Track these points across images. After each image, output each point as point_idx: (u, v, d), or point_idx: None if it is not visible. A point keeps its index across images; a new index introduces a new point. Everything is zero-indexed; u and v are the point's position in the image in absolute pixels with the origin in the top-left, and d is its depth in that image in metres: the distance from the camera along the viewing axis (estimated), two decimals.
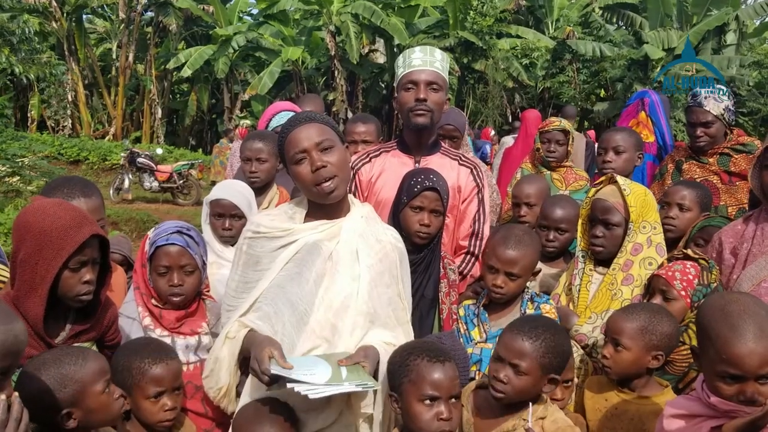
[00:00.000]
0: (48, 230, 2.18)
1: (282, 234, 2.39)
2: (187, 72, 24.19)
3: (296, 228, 2.40)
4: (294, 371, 2.07)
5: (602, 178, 3.16)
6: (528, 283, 2.92)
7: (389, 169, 3.37)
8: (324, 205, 2.42)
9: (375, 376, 2.26)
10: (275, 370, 2.08)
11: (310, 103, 5.02)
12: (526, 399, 2.30)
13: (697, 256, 2.79)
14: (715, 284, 2.73)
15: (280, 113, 4.52)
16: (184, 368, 2.64)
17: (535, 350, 2.25)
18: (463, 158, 3.47)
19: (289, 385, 2.05)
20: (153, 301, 2.74)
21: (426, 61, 3.28)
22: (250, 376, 2.39)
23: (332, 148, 2.35)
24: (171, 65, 25.10)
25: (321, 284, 2.36)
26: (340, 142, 2.41)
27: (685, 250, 2.85)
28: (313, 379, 2.07)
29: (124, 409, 2.36)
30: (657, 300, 2.74)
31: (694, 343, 2.59)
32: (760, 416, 1.78)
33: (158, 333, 2.68)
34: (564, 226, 3.46)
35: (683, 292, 2.71)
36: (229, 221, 3.33)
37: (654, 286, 2.78)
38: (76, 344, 2.34)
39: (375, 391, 2.28)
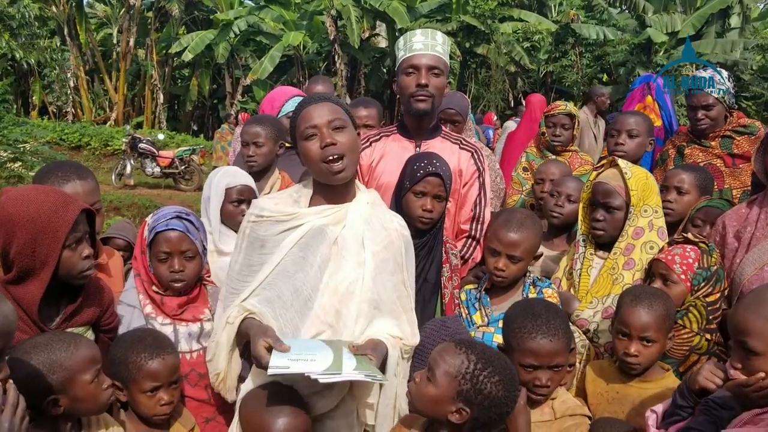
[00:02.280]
0: (36, 217, 2.16)
1: (286, 218, 2.38)
2: (188, 56, 24.10)
3: (301, 212, 2.39)
4: (293, 363, 2.03)
5: (603, 162, 3.14)
6: (529, 267, 2.92)
7: (390, 153, 3.36)
8: (330, 189, 2.41)
9: (382, 370, 2.27)
10: (273, 370, 2.01)
11: (319, 85, 5.00)
12: None
13: (697, 240, 2.78)
14: (716, 267, 2.73)
15: (293, 98, 4.47)
16: (187, 356, 2.64)
17: (562, 345, 2.32)
18: (463, 142, 3.45)
19: (298, 371, 2.01)
20: (154, 287, 2.71)
21: (427, 44, 3.25)
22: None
23: (343, 129, 2.35)
24: (173, 50, 24.99)
25: (326, 269, 2.35)
26: (352, 125, 2.41)
27: (685, 234, 2.84)
28: (314, 366, 2.04)
29: (116, 399, 2.37)
30: (657, 284, 2.73)
31: (695, 327, 2.61)
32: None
33: (160, 321, 2.67)
34: (575, 196, 3.47)
35: (683, 276, 2.70)
36: (248, 207, 3.27)
37: (654, 270, 2.77)
38: (70, 329, 2.33)
39: (381, 384, 2.30)
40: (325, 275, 2.34)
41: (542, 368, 2.31)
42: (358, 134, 2.46)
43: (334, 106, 2.38)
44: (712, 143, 4.14)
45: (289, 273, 2.32)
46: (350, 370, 2.05)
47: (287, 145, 3.85)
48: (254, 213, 2.44)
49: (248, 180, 3.39)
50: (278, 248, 2.36)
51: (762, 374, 1.83)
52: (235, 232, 3.18)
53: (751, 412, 1.86)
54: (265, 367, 2.05)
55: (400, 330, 2.42)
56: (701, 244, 2.76)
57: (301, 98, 4.36)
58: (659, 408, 2.21)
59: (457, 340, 2.19)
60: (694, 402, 2.09)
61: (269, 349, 2.09)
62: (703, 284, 2.70)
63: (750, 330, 1.86)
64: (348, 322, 2.32)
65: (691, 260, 2.72)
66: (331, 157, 2.29)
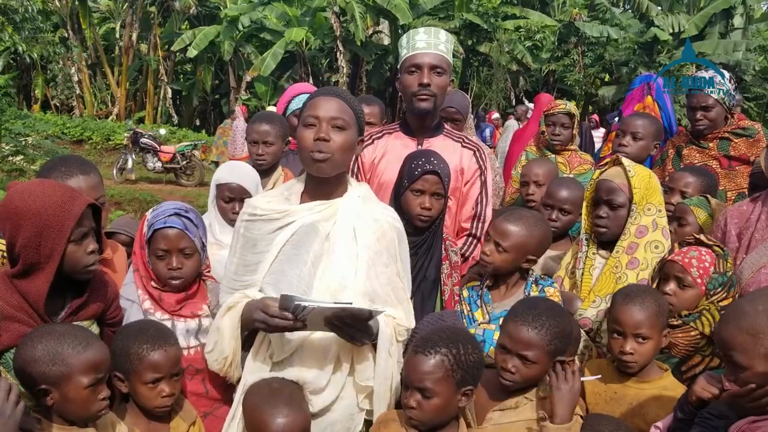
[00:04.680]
0: (42, 211, 2.16)
1: (278, 216, 2.39)
2: (192, 52, 24.02)
3: (292, 209, 2.40)
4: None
5: (607, 160, 3.15)
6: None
7: (392, 151, 3.36)
8: (320, 184, 2.42)
9: (374, 343, 2.34)
10: (287, 293, 2.12)
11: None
12: (534, 383, 2.35)
13: (711, 243, 2.75)
14: (731, 273, 2.70)
15: (299, 96, 4.46)
16: (185, 352, 2.63)
17: (541, 339, 2.27)
18: (466, 140, 3.46)
19: (297, 302, 2.10)
20: (152, 283, 2.71)
21: (430, 43, 3.26)
22: (250, 353, 2.43)
23: (343, 130, 2.34)
24: (175, 47, 24.94)
25: (319, 265, 2.36)
26: (355, 130, 2.40)
27: (697, 236, 2.80)
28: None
29: (118, 390, 2.39)
30: (671, 285, 2.70)
31: (707, 330, 2.59)
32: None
33: (158, 316, 2.66)
34: (568, 207, 3.46)
35: (699, 280, 2.66)
36: (239, 205, 3.27)
37: (669, 271, 2.73)
38: (77, 322, 2.33)
39: (374, 366, 2.36)
40: (318, 271, 2.36)
41: (511, 353, 2.31)
42: (361, 141, 2.47)
43: (344, 104, 2.38)
44: (710, 144, 4.14)
45: (285, 272, 2.34)
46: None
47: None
48: (247, 212, 2.46)
49: (243, 178, 3.37)
50: (271, 246, 2.38)
51: (753, 386, 1.83)
52: (230, 226, 3.23)
53: (748, 419, 1.87)
54: (268, 315, 2.17)
55: (395, 313, 2.45)
56: (716, 248, 2.73)
57: (308, 95, 4.41)
58: (662, 424, 2.23)
59: (413, 348, 2.23)
60: (692, 414, 2.10)
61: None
62: (719, 290, 2.66)
63: (733, 345, 1.86)
64: None
65: (707, 264, 2.68)
66: (318, 151, 2.31)
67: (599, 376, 2.52)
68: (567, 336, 2.36)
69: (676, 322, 2.65)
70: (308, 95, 4.39)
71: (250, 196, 3.27)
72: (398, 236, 2.50)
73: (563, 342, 2.33)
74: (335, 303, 2.17)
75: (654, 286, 2.77)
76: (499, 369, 2.35)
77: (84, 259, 2.27)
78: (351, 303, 2.19)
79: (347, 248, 2.38)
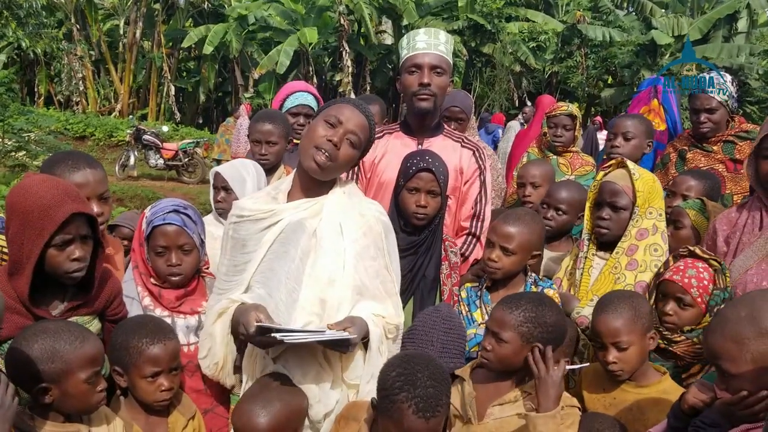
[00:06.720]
0: (29, 210, 2.15)
1: (265, 215, 2.42)
2: (208, 49, 23.95)
3: (279, 208, 2.43)
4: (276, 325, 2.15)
5: (611, 162, 3.15)
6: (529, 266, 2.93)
7: (392, 150, 3.37)
8: (308, 182, 2.45)
9: (365, 345, 2.37)
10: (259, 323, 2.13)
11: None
12: (511, 368, 2.37)
13: (706, 256, 2.71)
14: (730, 287, 2.66)
15: (295, 93, 4.46)
16: (185, 349, 2.65)
17: (513, 319, 2.32)
18: (465, 140, 3.48)
19: (273, 333, 2.10)
20: (152, 280, 2.73)
21: (430, 44, 3.28)
22: (246, 353, 2.44)
23: (353, 147, 2.41)
24: (186, 44, 24.90)
25: (307, 261, 2.39)
26: (361, 152, 2.47)
27: (691, 248, 2.77)
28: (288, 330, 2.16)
29: (117, 385, 2.39)
30: (671, 305, 2.67)
31: None
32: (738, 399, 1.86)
33: (158, 313, 2.68)
34: (564, 207, 3.48)
35: (699, 299, 2.63)
36: (221, 194, 3.37)
37: (668, 291, 2.69)
38: (75, 317, 2.33)
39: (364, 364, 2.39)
40: (306, 267, 2.38)
41: (488, 333, 2.37)
42: (360, 161, 2.52)
43: (366, 126, 2.44)
44: (714, 148, 4.13)
45: (274, 269, 2.36)
46: (321, 331, 2.20)
47: (296, 142, 3.90)
48: (235, 214, 2.49)
49: (229, 170, 3.41)
50: (259, 245, 2.40)
51: (744, 393, 1.82)
52: (221, 217, 3.30)
53: (740, 427, 1.85)
54: (248, 335, 2.17)
55: (384, 311, 2.46)
56: (712, 262, 2.69)
57: (303, 93, 4.40)
58: (655, 430, 2.22)
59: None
60: (686, 422, 2.10)
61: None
62: (721, 305, 2.62)
63: (719, 354, 1.85)
64: (332, 309, 2.36)
65: (706, 282, 2.65)
66: (323, 152, 2.34)
67: (587, 364, 2.57)
68: (547, 326, 2.34)
69: (678, 338, 2.63)
70: (301, 92, 4.42)
71: (227, 185, 3.34)
72: (385, 230, 2.53)
73: (540, 330, 2.32)
74: (310, 331, 2.18)
75: (651, 303, 2.73)
76: (480, 349, 2.41)
77: (65, 266, 2.23)
78: (324, 330, 2.21)
79: (334, 243, 2.41)
